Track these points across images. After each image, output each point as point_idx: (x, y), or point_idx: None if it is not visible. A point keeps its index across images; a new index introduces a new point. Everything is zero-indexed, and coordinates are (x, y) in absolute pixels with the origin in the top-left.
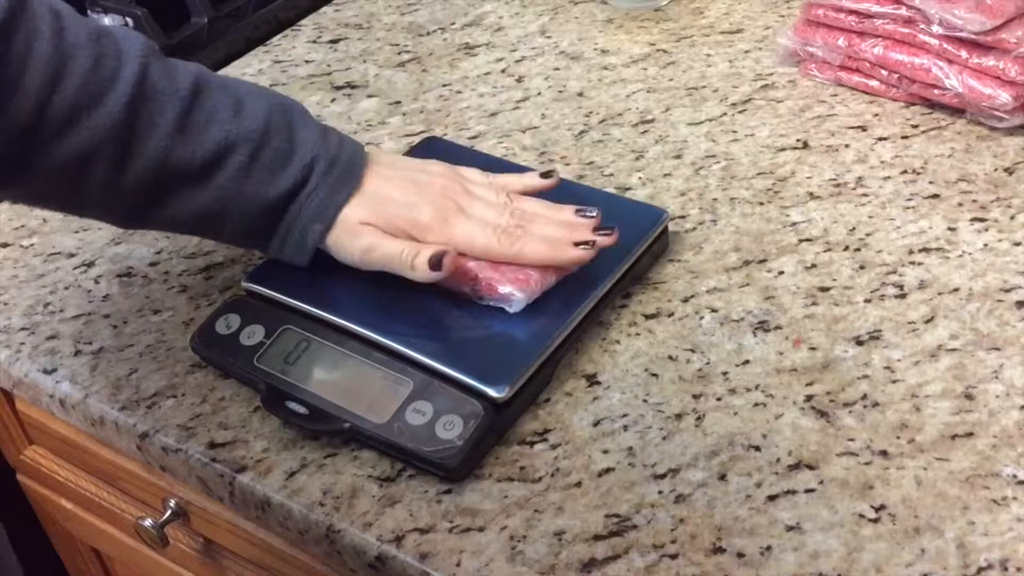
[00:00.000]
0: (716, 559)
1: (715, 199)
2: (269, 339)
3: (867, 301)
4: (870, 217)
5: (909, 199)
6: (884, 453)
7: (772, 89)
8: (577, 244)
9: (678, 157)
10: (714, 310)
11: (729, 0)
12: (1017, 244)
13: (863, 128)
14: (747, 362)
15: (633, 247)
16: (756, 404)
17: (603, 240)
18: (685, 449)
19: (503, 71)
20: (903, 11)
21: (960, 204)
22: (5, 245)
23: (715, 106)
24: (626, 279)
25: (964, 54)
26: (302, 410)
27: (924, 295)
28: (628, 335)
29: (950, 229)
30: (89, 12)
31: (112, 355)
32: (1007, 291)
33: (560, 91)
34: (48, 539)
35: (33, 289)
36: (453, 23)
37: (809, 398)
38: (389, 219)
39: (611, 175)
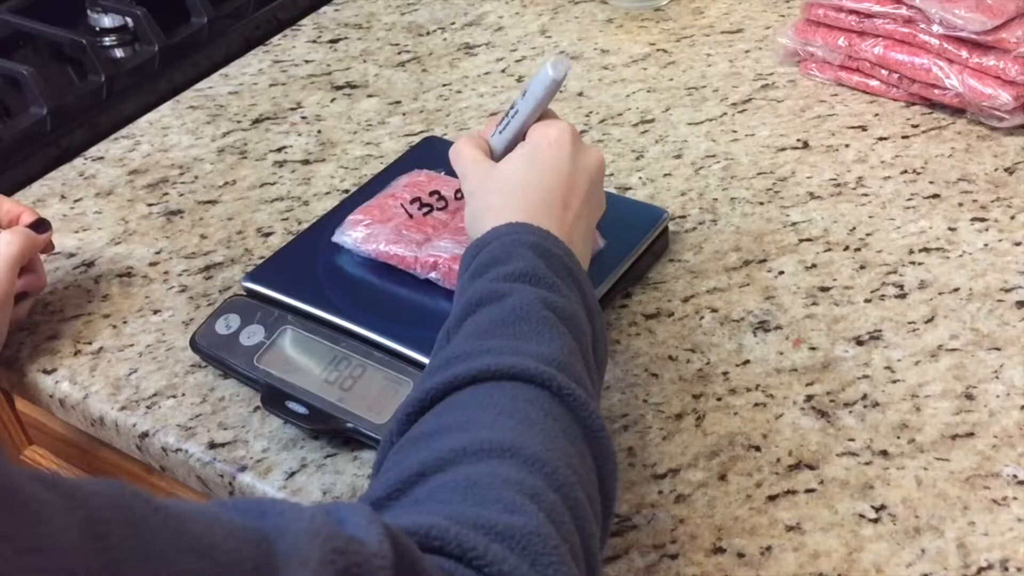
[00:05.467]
0: (716, 559)
1: (715, 199)
2: (269, 339)
3: (867, 301)
4: (870, 217)
5: (909, 199)
6: (884, 453)
7: (772, 89)
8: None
9: (678, 157)
10: (714, 310)
11: (729, 0)
12: (1017, 244)
13: (863, 128)
14: (747, 362)
15: (633, 247)
16: (756, 404)
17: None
18: (685, 449)
19: (503, 71)
20: (903, 11)
21: (960, 204)
22: None
23: (715, 106)
24: (626, 279)
25: (964, 54)
26: (302, 410)
27: (924, 295)
28: (628, 335)
29: (950, 229)
30: (89, 12)
31: (112, 355)
32: (1007, 291)
33: (560, 91)
34: None
35: None
36: (453, 23)
37: (809, 398)
38: None
39: (611, 175)
